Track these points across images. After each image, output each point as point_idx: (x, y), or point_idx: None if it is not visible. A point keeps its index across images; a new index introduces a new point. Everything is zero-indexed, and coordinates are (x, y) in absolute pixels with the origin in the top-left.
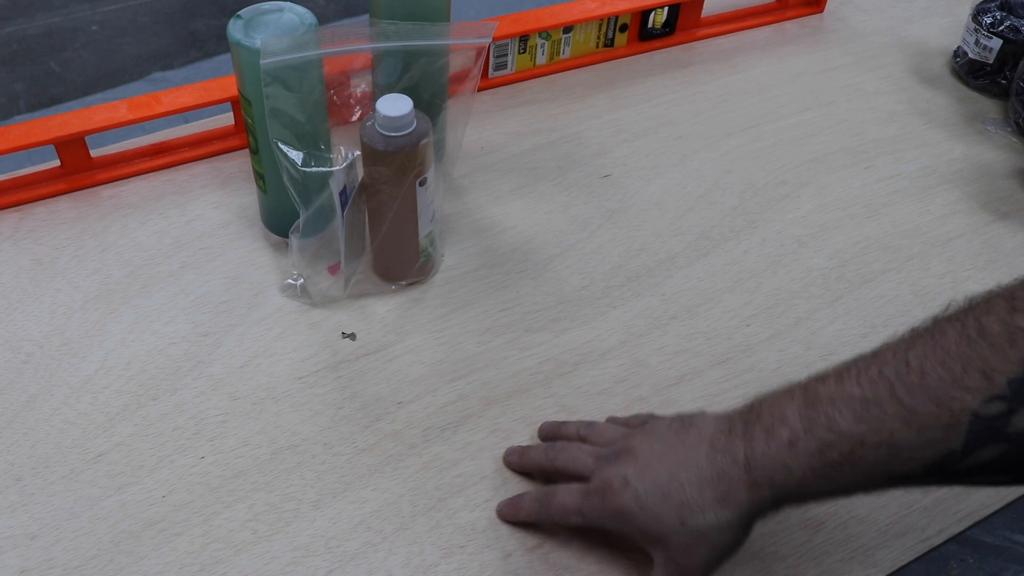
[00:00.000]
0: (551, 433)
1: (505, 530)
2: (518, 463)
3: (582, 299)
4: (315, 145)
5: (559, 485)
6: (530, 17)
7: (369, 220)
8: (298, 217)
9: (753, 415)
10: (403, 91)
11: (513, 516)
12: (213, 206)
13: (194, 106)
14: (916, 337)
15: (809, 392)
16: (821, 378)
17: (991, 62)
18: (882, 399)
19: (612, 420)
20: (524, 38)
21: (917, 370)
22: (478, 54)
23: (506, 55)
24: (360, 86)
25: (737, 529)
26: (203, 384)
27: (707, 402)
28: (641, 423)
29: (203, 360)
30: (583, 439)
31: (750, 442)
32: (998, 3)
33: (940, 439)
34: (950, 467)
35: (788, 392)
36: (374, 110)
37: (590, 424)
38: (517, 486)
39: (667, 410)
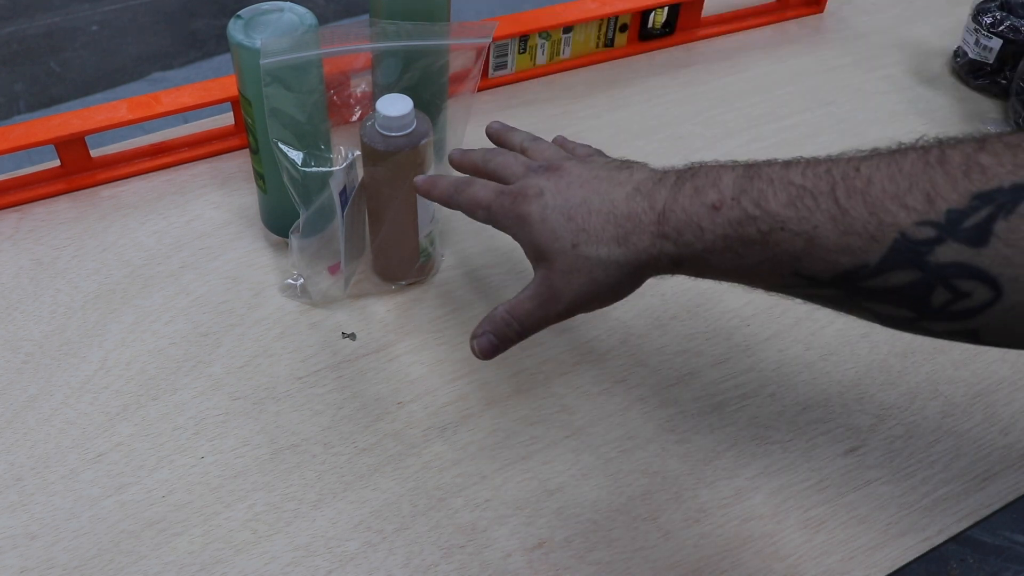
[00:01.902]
0: (497, 136)
1: (505, 530)
2: (458, 159)
3: None
4: (315, 145)
5: (480, 180)
6: (530, 17)
7: (369, 220)
8: (298, 217)
9: (689, 174)
10: (403, 91)
11: (427, 191)
12: (213, 206)
13: (194, 106)
14: (876, 152)
15: (752, 169)
16: (769, 162)
17: (991, 62)
18: (819, 193)
19: (561, 141)
20: (524, 38)
21: (864, 177)
22: (478, 54)
23: (506, 55)
24: (360, 86)
25: (625, 274)
26: (203, 384)
27: (707, 402)
28: (587, 154)
29: (203, 360)
30: (524, 151)
31: (675, 195)
32: (998, 3)
33: (860, 248)
34: (858, 280)
35: (733, 165)
36: (374, 110)
37: (536, 139)
38: (518, 485)
39: (668, 410)
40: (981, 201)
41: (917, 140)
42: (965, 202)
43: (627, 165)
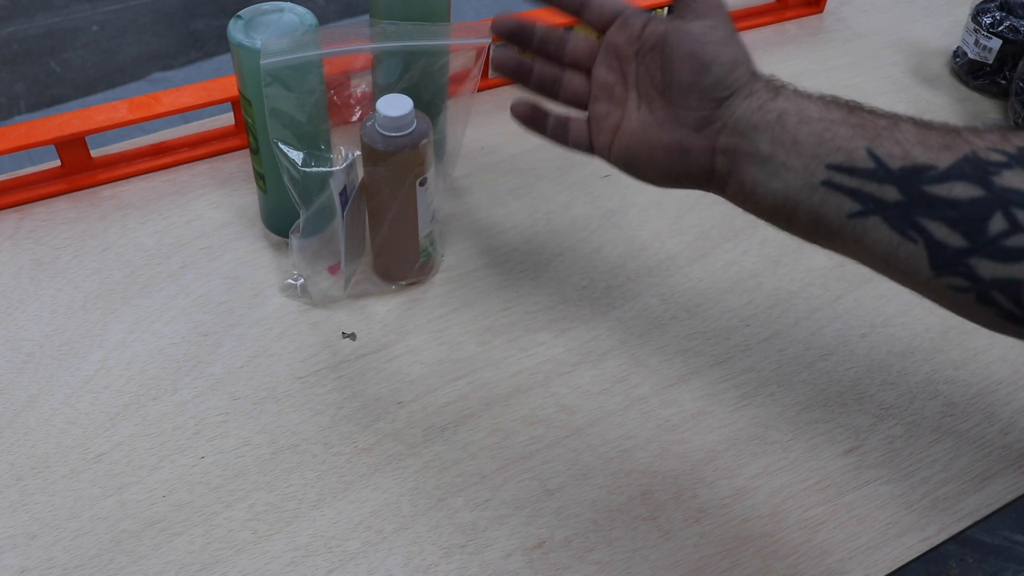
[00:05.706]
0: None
1: (505, 530)
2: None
3: (582, 299)
4: (315, 145)
5: None
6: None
7: (369, 220)
8: (298, 217)
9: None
10: (403, 91)
11: None
12: (213, 206)
13: (194, 106)
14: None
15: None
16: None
17: (991, 62)
18: (901, 116)
19: None
20: None
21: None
22: (478, 54)
23: None
24: (360, 86)
25: (705, 105)
26: (203, 384)
27: (707, 402)
28: None
29: (203, 360)
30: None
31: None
32: (998, 3)
33: (934, 147)
34: (923, 183)
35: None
36: (374, 110)
37: None
38: (518, 485)
39: (667, 410)
40: None
41: None
42: None
43: None
